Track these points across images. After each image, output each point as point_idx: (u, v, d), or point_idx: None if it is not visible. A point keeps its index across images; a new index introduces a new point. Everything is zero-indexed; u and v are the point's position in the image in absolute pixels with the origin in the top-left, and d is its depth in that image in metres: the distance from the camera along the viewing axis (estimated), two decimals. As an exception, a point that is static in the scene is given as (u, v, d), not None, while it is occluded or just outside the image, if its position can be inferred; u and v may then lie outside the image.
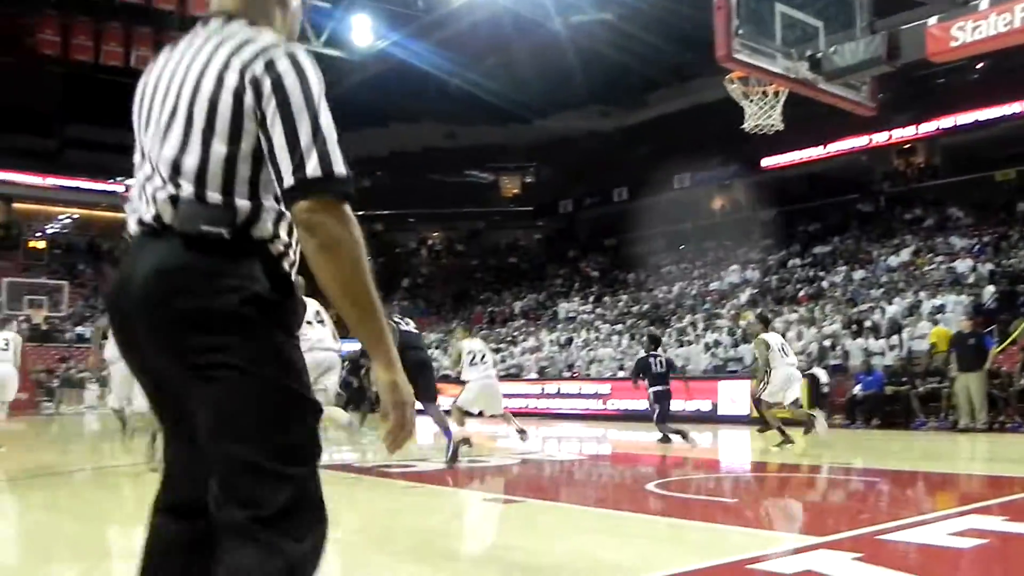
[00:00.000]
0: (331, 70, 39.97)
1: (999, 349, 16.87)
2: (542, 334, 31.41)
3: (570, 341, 29.48)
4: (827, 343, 20.36)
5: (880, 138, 33.34)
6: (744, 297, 27.81)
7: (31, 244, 46.39)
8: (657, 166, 40.30)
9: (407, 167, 50.18)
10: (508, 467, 10.60)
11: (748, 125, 9.83)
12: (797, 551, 4.65)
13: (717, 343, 23.32)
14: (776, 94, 9.65)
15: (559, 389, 23.68)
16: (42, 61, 37.35)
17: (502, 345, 30.68)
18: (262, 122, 1.94)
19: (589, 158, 44.75)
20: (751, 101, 9.71)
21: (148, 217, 2.00)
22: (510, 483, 9.19)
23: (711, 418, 19.58)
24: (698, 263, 34.53)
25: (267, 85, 1.93)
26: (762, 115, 9.67)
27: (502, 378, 25.19)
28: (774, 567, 4.28)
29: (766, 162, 36.90)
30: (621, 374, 23.47)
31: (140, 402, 9.44)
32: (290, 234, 2.04)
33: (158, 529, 2.10)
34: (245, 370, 1.89)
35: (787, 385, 12.08)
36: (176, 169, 1.97)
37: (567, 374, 25.70)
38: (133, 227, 2.07)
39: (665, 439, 12.88)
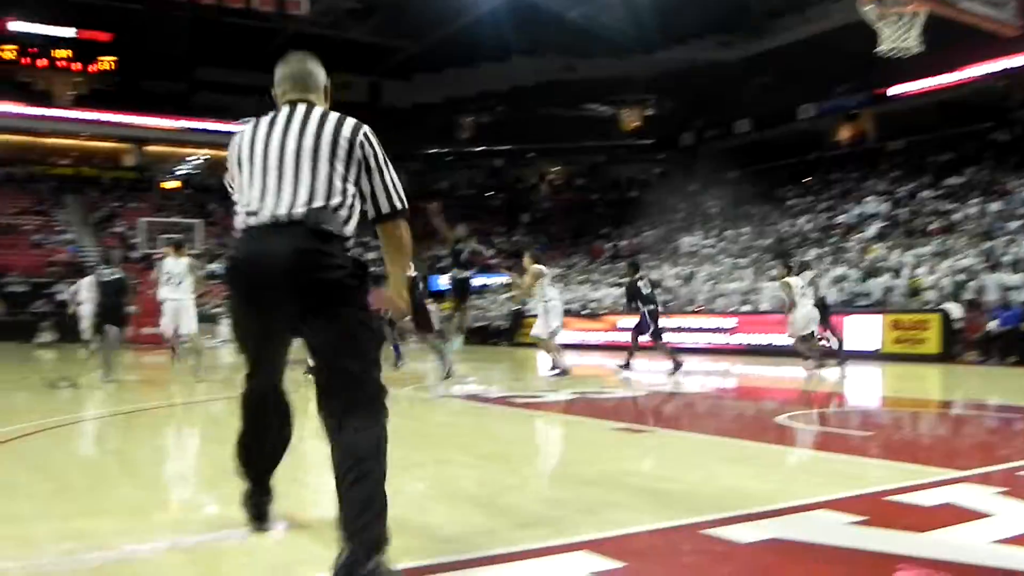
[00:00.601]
0: (449, 8, 40.03)
1: None
2: (664, 268, 31.14)
3: (692, 276, 29.15)
4: (961, 277, 19.65)
5: (1018, 62, 31.55)
6: (872, 230, 26.98)
7: (164, 185, 47.99)
8: (780, 97, 39.23)
9: (526, 102, 49.95)
10: (634, 399, 10.63)
11: (883, 48, 9.43)
12: (936, 484, 4.53)
13: (844, 277, 22.73)
14: (914, 15, 9.21)
15: (681, 324, 23.47)
16: (170, 6, 38.33)
17: (624, 280, 30.52)
18: (367, 169, 3.31)
19: (710, 90, 43.76)
20: (887, 23, 9.30)
21: (288, 215, 3.12)
22: (637, 413, 9.19)
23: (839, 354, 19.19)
24: (824, 195, 33.58)
25: (368, 148, 3.34)
26: (898, 37, 9.25)
27: (621, 312, 25.37)
28: (913, 499, 4.18)
29: (894, 91, 35.48)
30: (745, 308, 23.17)
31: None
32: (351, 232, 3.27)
33: (255, 398, 3.52)
34: (355, 315, 3.12)
35: (808, 320, 13.88)
36: (315, 188, 3.17)
37: (689, 308, 25.46)
38: (258, 221, 3.18)
39: (669, 358, 13.82)
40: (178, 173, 50.41)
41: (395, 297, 3.48)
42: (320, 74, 3.65)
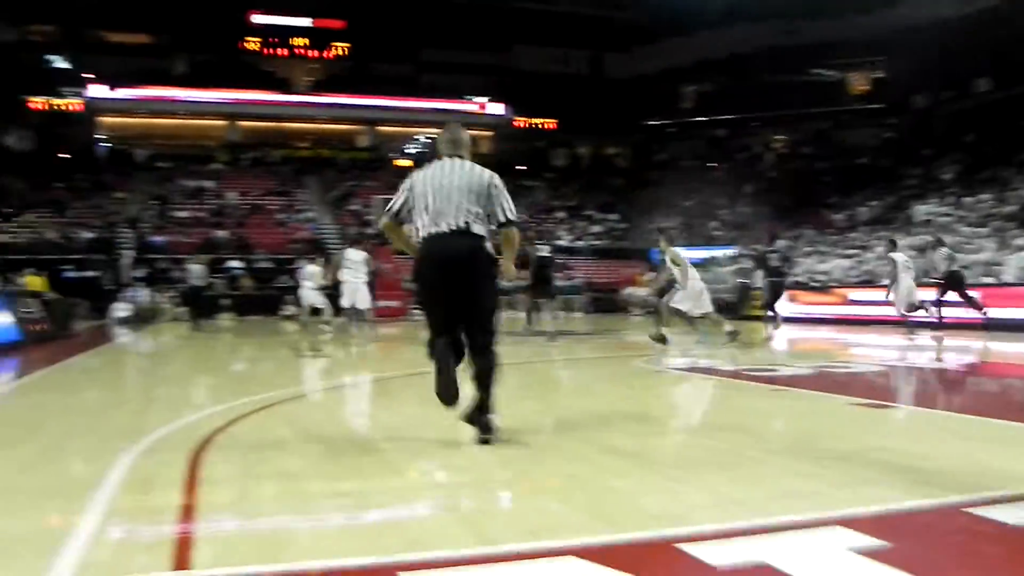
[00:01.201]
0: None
1: None
2: (898, 239, 29.69)
3: (936, 245, 27.57)
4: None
5: None
6: None
7: (396, 163, 49.77)
8: (1025, 50, 36.44)
9: (747, 69, 48.79)
10: (870, 374, 10.28)
11: None
12: None
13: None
14: None
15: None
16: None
17: (853, 251, 29.36)
18: (493, 198, 5.36)
19: (944, 48, 41.14)
20: None
21: (458, 226, 5.23)
22: (875, 389, 8.87)
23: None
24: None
25: (493, 186, 5.38)
26: None
27: (853, 285, 24.48)
28: None
29: None
30: (986, 280, 21.84)
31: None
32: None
33: (442, 344, 5.23)
34: (494, 283, 5.41)
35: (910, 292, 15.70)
36: (469, 210, 5.26)
37: (926, 280, 24.14)
38: (438, 231, 5.27)
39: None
40: (408, 151, 52.19)
41: (507, 269, 5.56)
42: (466, 137, 5.76)
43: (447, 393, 5.17)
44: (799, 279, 28.24)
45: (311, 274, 16.64)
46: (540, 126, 54.13)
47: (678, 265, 13.79)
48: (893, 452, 4.79)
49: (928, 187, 35.95)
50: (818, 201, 41.48)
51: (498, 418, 5.25)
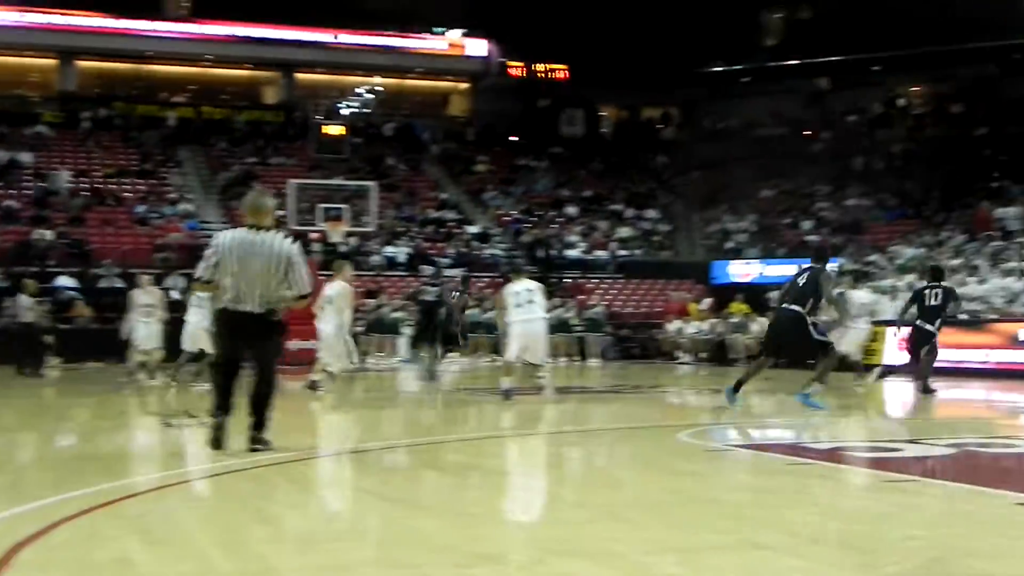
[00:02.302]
0: None
1: None
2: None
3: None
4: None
5: None
6: None
7: (326, 130, 49.58)
8: None
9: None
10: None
11: None
12: None
13: None
14: None
15: None
16: None
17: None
18: (292, 275, 9.43)
19: None
20: None
21: (254, 311, 9.40)
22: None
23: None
24: None
25: (292, 261, 9.40)
26: None
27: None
28: None
29: None
30: None
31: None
32: None
33: (223, 373, 10.01)
34: (277, 340, 10.44)
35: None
36: (263, 295, 9.32)
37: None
38: (240, 309, 9.44)
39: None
40: (342, 112, 52.07)
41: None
42: (270, 204, 9.65)
43: (217, 407, 9.27)
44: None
45: (200, 301, 16.67)
46: (545, 75, 54.32)
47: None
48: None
49: None
50: (974, 187, 41.50)
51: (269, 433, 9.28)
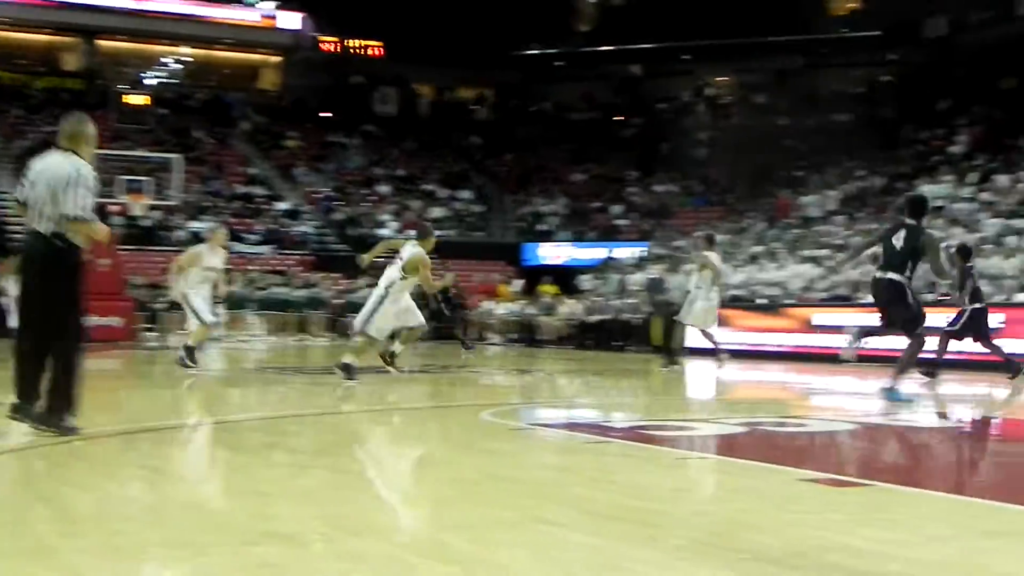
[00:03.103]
0: None
1: None
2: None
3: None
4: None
5: None
6: None
7: (126, 100, 48.69)
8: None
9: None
10: (839, 435, 10.55)
11: None
12: None
13: None
14: None
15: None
16: None
17: (824, 252, 30.11)
18: (67, 190, 8.49)
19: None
20: None
21: (34, 229, 8.48)
22: (844, 458, 9.17)
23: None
24: None
25: (72, 179, 8.39)
26: None
27: (819, 303, 25.15)
28: None
29: None
30: (1020, 298, 22.70)
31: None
32: None
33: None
34: (57, 283, 8.61)
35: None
36: (43, 211, 8.41)
37: (930, 296, 24.76)
38: (30, 228, 8.62)
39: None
40: (147, 82, 51.23)
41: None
42: (86, 131, 8.86)
43: (18, 389, 8.40)
44: (737, 294, 28.80)
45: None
46: (359, 51, 54.09)
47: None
48: (858, 554, 4.86)
49: (943, 156, 37.20)
50: (776, 177, 42.52)
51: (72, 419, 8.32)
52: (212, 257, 17.16)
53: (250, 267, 36.67)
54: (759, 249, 33.12)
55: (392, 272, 15.29)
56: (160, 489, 7.03)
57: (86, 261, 8.81)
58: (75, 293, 8.54)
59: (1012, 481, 8.14)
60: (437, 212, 45.59)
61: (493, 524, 5.71)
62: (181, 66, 52.65)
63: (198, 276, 16.99)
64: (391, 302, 15.01)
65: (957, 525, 5.88)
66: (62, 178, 8.32)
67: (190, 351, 17.45)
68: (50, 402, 8.32)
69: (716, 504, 6.48)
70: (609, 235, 43.79)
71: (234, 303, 31.69)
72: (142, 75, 51.44)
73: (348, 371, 14.93)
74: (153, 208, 38.01)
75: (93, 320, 27.31)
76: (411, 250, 15.42)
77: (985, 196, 32.04)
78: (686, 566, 4.57)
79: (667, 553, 4.83)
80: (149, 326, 30.62)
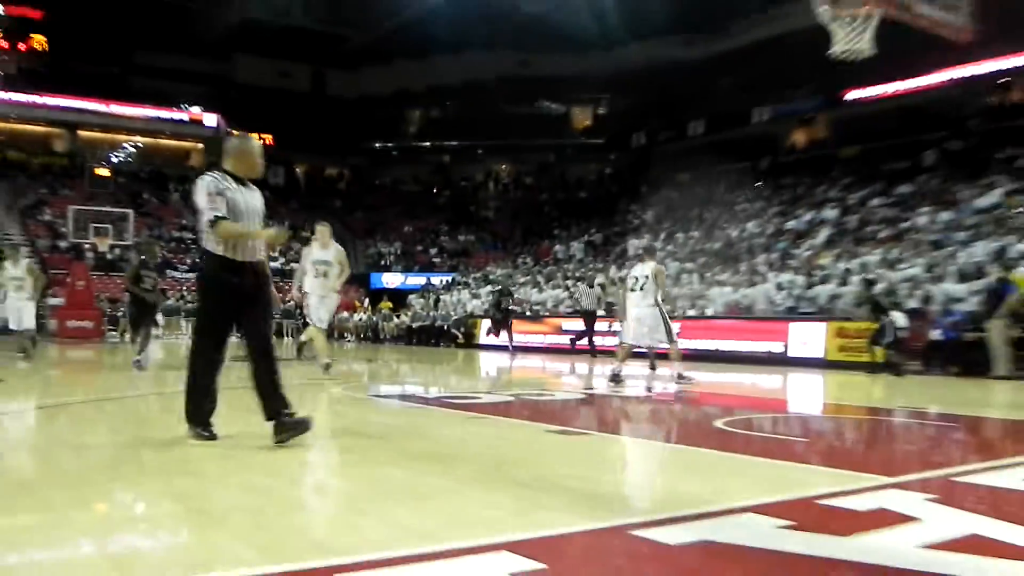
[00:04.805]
0: (401, -3, 39.89)
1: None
2: (611, 271, 31.22)
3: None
4: (907, 286, 19.93)
5: (973, 71, 32.32)
6: (822, 237, 27.32)
7: (97, 172, 47.22)
8: (736, 99, 39.60)
9: (479, 97, 49.99)
10: (572, 402, 10.73)
11: (836, 50, 9.57)
12: (868, 489, 4.61)
13: (791, 283, 22.99)
14: (867, 17, 9.34)
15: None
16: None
17: (568, 282, 30.61)
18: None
19: (666, 90, 44.10)
20: (841, 25, 9.42)
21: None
22: (575, 417, 9.27)
23: (782, 360, 19.47)
24: (775, 201, 33.94)
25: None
26: (851, 40, 9.37)
27: (567, 315, 25.47)
28: (846, 504, 4.27)
29: (850, 96, 36.04)
30: (691, 313, 23.35)
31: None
32: None
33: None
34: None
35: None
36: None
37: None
38: None
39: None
40: (111, 160, 49.67)
41: None
42: (226, 147, 6.25)
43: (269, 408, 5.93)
44: (514, 308, 29.18)
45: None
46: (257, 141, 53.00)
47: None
48: (579, 479, 4.96)
49: (643, 222, 38.14)
50: (539, 231, 43.04)
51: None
52: (321, 252, 13.24)
53: (182, 288, 36.32)
54: (527, 279, 33.49)
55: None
56: None
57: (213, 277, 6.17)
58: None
59: (678, 429, 8.48)
60: (312, 252, 45.05)
61: (342, 463, 5.75)
62: (135, 149, 50.99)
63: (311, 271, 13.06)
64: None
65: (642, 458, 6.13)
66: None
67: (300, 347, 15.44)
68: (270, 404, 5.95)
69: (491, 448, 6.49)
70: (428, 268, 43.71)
71: (169, 312, 31.00)
72: (109, 155, 49.74)
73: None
74: (113, 246, 37.30)
75: (75, 323, 26.96)
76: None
77: (669, 247, 33.01)
78: (468, 489, 4.61)
79: (457, 481, 4.85)
80: (112, 328, 29.88)
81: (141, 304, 14.78)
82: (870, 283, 18.87)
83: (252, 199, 6.16)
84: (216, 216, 5.85)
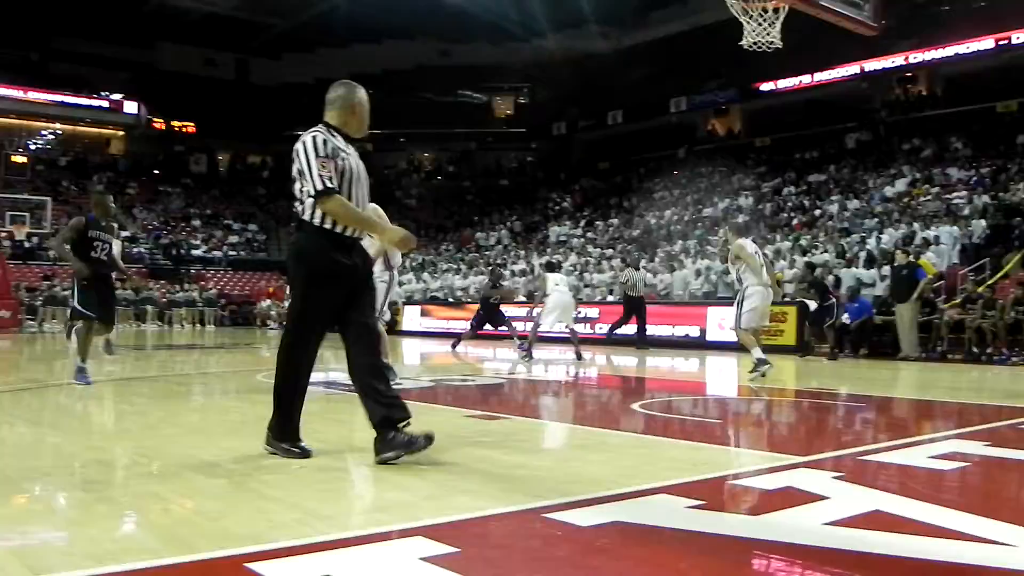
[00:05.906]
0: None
1: (991, 282, 17.04)
2: (532, 258, 31.35)
3: (559, 265, 29.43)
4: (819, 272, 20.32)
5: (879, 65, 33.08)
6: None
7: (13, 159, 45.91)
8: (653, 89, 39.94)
9: (400, 85, 49.59)
10: (493, 387, 10.75)
11: (746, 42, 9.67)
12: (777, 469, 4.68)
13: (708, 269, 23.30)
14: (776, 10, 9.48)
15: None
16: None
17: (489, 267, 30.60)
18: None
19: (585, 80, 44.27)
20: (751, 17, 9.54)
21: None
22: (494, 402, 9.28)
23: (699, 344, 19.71)
24: (691, 188, 34.35)
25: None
26: (761, 32, 9.50)
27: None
28: (754, 483, 4.32)
29: (764, 87, 36.60)
30: (611, 299, 23.51)
31: None
32: None
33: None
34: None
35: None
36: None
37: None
38: None
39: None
40: (29, 148, 48.34)
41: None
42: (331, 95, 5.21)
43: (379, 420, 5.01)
44: (436, 295, 29.14)
45: None
46: (179, 129, 51.95)
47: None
48: (493, 462, 4.95)
49: (564, 210, 38.33)
50: (461, 219, 42.99)
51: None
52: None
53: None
54: (451, 266, 33.41)
55: None
56: None
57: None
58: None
59: (593, 412, 8.53)
60: (234, 239, 44.41)
61: (255, 451, 5.56)
62: (54, 136, 49.68)
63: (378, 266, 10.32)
64: None
65: (557, 441, 6.16)
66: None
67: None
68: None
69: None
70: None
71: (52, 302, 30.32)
72: (27, 142, 48.39)
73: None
74: (30, 235, 36.39)
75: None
76: None
77: (589, 234, 33.25)
78: (382, 474, 4.60)
79: (375, 468, 4.81)
80: (30, 317, 28.97)
81: (94, 281, 9.70)
82: (812, 267, 19.32)
83: (362, 166, 5.09)
84: (327, 187, 4.75)
